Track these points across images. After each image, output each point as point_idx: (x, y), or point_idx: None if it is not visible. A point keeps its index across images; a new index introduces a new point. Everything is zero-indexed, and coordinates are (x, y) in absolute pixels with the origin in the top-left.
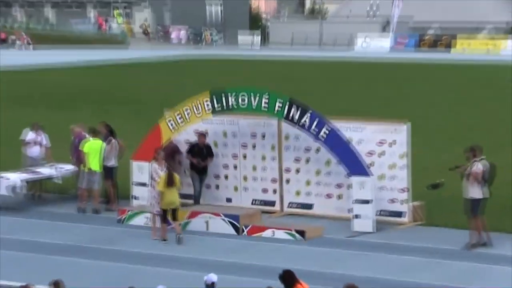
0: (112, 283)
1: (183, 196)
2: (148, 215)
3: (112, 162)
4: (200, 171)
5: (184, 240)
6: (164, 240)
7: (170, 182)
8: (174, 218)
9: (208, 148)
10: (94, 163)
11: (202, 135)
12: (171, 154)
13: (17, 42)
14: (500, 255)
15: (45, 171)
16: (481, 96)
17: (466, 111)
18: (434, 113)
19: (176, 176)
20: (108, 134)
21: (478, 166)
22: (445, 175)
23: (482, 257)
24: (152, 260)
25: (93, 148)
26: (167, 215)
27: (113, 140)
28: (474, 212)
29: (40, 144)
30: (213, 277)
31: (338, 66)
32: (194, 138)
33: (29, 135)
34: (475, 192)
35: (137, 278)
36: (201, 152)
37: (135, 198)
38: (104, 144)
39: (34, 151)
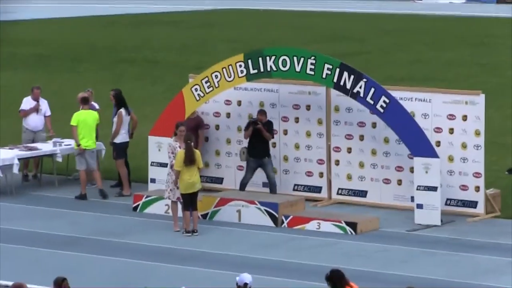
0: (123, 283)
1: (211, 179)
2: (169, 201)
3: (122, 138)
4: (257, 154)
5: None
6: (188, 232)
7: (189, 159)
8: (193, 206)
9: (269, 124)
10: (85, 139)
11: (262, 111)
12: (194, 128)
13: None
14: None
15: (44, 147)
16: None
17: None
18: None
19: (197, 152)
20: (118, 103)
21: None
22: None
23: None
24: (172, 256)
25: (83, 121)
26: (189, 202)
27: (123, 111)
28: None
29: (40, 112)
30: (246, 277)
31: (401, 23)
32: (224, 109)
33: (26, 102)
34: None
35: (154, 277)
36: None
37: (153, 181)
38: (97, 115)
39: (33, 120)
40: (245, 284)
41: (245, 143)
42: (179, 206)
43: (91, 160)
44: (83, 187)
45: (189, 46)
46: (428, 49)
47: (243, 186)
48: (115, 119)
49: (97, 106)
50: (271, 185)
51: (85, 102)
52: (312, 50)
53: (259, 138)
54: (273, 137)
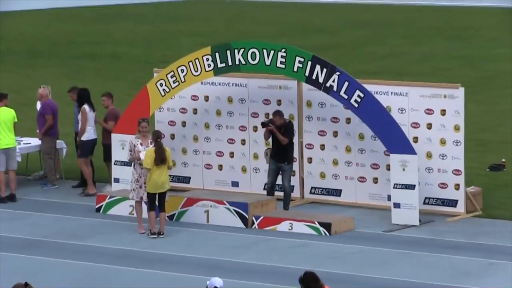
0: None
1: (177, 178)
2: (133, 202)
3: (88, 135)
4: (275, 156)
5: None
6: (153, 234)
7: (159, 158)
8: (160, 207)
9: (288, 126)
10: (4, 138)
11: (278, 112)
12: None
13: None
14: None
15: None
16: None
17: None
18: (497, 73)
19: (168, 151)
20: (79, 100)
21: None
22: (506, 153)
23: None
24: (137, 259)
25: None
26: (155, 201)
27: (86, 107)
28: None
29: None
30: (217, 281)
31: (375, 14)
32: (190, 105)
33: None
34: None
35: (117, 281)
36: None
37: (117, 181)
38: (14, 113)
39: None
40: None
41: (214, 141)
42: (144, 206)
43: (10, 160)
44: (2, 190)
45: (153, 40)
46: (403, 42)
47: (269, 191)
48: (79, 117)
49: (54, 103)
50: (284, 195)
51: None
52: (282, 43)
53: (276, 140)
54: (291, 141)
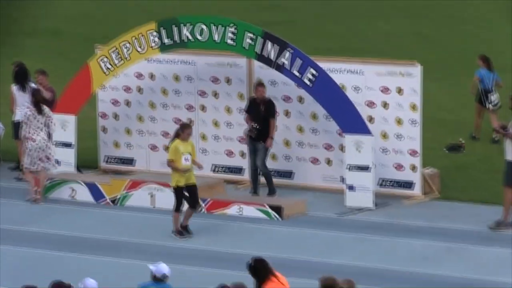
0: (27, 274)
1: (121, 160)
2: (75, 185)
3: (17, 116)
4: (254, 138)
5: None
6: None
7: None
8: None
9: (268, 104)
10: None
11: (262, 85)
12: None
13: None
14: None
15: None
16: None
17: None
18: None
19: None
20: (15, 78)
21: None
22: (465, 134)
23: None
24: (79, 245)
25: None
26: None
27: (13, 87)
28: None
29: None
30: (164, 267)
31: None
32: (135, 83)
33: None
34: None
35: (58, 267)
36: (257, 111)
37: (57, 163)
38: None
39: None
40: (164, 275)
41: (160, 121)
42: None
43: None
44: None
45: (95, 16)
46: (361, 19)
47: (252, 175)
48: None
49: None
50: (265, 179)
51: None
52: (231, 18)
53: (259, 120)
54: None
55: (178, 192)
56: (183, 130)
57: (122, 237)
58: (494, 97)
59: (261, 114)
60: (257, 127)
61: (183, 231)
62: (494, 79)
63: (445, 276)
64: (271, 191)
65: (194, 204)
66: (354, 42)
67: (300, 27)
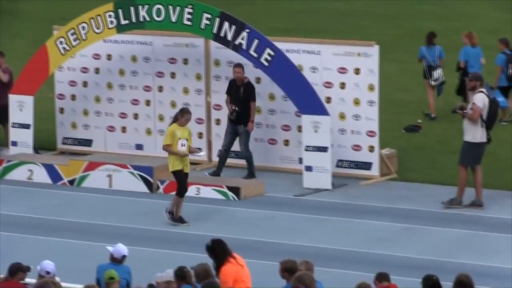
0: None
1: (78, 141)
2: (32, 166)
3: None
4: (236, 120)
5: None
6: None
7: None
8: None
9: (247, 87)
10: None
11: (239, 66)
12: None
13: None
14: (496, 220)
15: None
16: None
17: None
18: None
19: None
20: None
21: (482, 99)
22: (423, 115)
23: (474, 222)
24: (37, 227)
25: None
26: None
27: None
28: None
29: None
30: (122, 248)
31: None
32: (92, 64)
33: None
34: (476, 133)
35: (18, 249)
36: (236, 93)
37: (14, 144)
38: None
39: None
40: (122, 256)
41: (117, 102)
42: None
43: None
44: None
45: None
46: None
47: (220, 154)
48: None
49: None
50: (246, 162)
51: None
52: None
53: (239, 103)
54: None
55: (179, 175)
56: (182, 115)
57: (80, 219)
58: (436, 73)
59: (240, 96)
60: (237, 109)
61: (182, 218)
62: (438, 55)
63: (402, 257)
64: (251, 174)
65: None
66: (311, 22)
67: (258, 7)
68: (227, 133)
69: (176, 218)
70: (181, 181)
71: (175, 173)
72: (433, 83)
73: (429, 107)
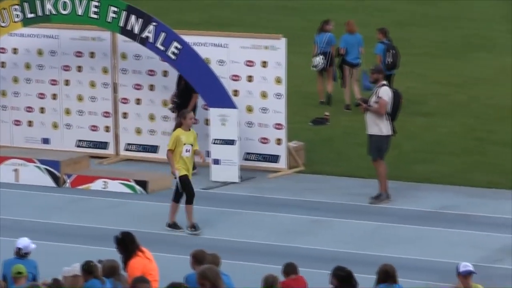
0: None
1: None
2: None
3: None
4: (175, 113)
5: None
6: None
7: None
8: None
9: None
10: None
11: None
12: None
13: None
14: (403, 211)
15: None
16: None
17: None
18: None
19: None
20: None
21: (387, 93)
22: (330, 107)
23: (381, 214)
24: None
25: None
26: None
27: None
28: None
29: None
30: (27, 243)
31: None
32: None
33: None
34: (382, 126)
35: None
36: (179, 85)
37: None
38: None
39: None
40: (28, 251)
41: (24, 96)
42: None
43: None
44: None
45: None
46: None
47: None
48: None
49: None
50: None
51: None
52: None
53: (181, 96)
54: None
55: (183, 180)
56: (185, 117)
57: None
58: (316, 60)
59: (183, 88)
60: (177, 101)
61: (194, 225)
62: (325, 41)
63: (310, 249)
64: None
65: (191, 198)
66: (220, 16)
67: (167, 1)
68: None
69: (190, 225)
70: (186, 186)
71: (180, 178)
72: (313, 69)
73: (318, 94)
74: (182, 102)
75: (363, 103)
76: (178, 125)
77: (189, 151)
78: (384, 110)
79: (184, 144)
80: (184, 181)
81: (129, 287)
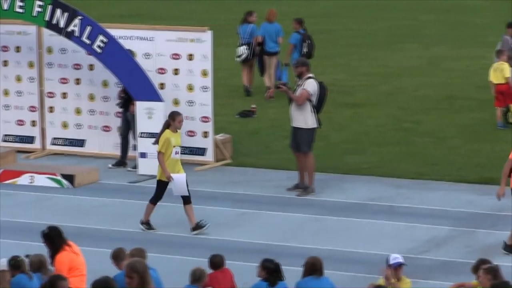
0: None
1: None
2: None
3: None
4: (123, 108)
5: None
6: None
7: None
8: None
9: None
10: None
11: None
12: None
13: None
14: (331, 203)
15: None
16: None
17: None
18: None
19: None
20: None
21: (313, 86)
22: (258, 101)
23: (309, 206)
24: None
25: None
26: None
27: None
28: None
29: None
30: None
31: None
32: None
33: None
34: (307, 119)
35: None
36: None
37: None
38: None
39: None
40: None
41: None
42: None
43: None
44: None
45: None
46: None
47: (122, 143)
48: None
49: None
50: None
51: None
52: None
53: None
54: None
55: (161, 185)
56: (174, 118)
57: None
58: (239, 50)
59: None
60: (124, 96)
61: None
62: (249, 33)
63: (238, 242)
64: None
65: (187, 198)
66: (146, 8)
67: None
68: (122, 120)
69: (145, 222)
70: (159, 191)
71: (161, 182)
72: (237, 59)
73: (246, 83)
74: (129, 97)
75: (283, 86)
76: (166, 126)
77: (178, 153)
78: (302, 101)
79: (174, 146)
80: (162, 185)
81: (47, 285)
